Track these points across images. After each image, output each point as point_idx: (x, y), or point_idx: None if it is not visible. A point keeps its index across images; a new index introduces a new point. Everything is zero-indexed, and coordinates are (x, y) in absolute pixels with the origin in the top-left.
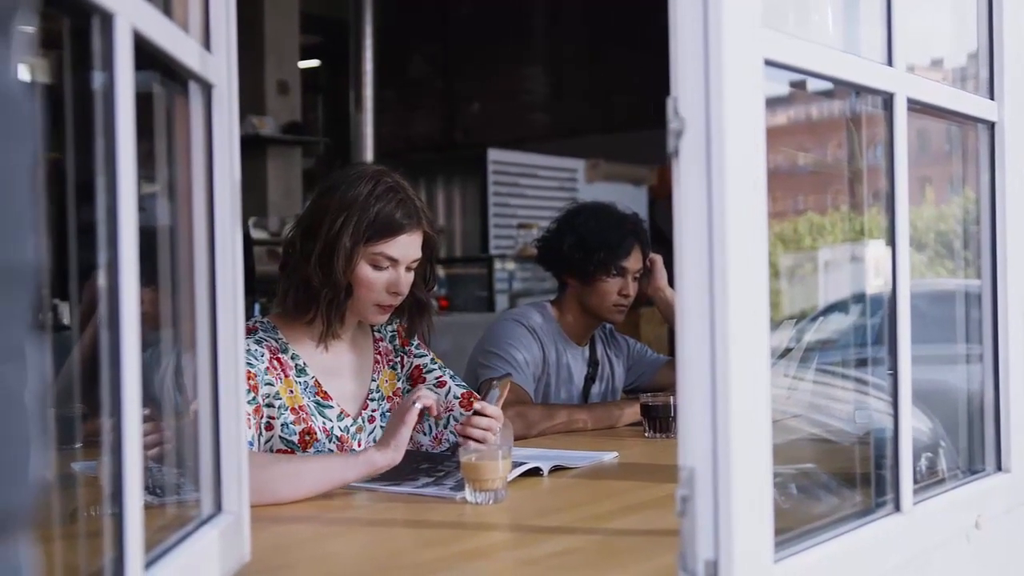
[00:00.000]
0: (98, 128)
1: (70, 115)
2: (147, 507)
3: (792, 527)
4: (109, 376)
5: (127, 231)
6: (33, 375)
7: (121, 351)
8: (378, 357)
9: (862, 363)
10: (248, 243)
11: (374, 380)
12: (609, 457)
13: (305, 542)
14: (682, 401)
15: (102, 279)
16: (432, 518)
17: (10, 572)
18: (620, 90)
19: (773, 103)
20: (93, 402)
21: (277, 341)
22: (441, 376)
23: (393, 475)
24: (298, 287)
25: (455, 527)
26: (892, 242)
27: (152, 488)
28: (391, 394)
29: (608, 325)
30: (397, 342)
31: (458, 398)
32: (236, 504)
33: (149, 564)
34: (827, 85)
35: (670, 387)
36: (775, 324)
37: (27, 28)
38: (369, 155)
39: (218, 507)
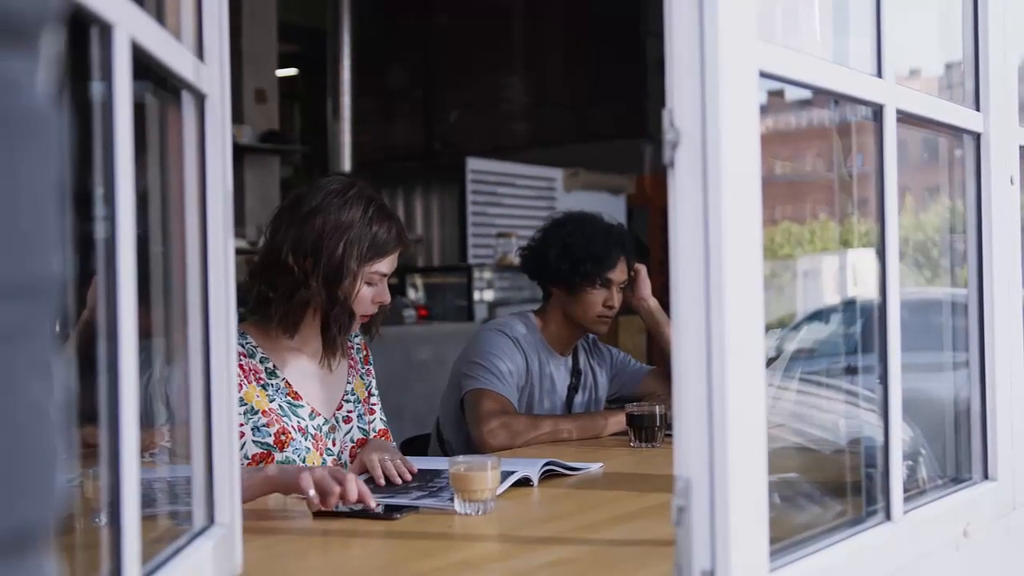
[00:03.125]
0: (95, 138)
1: (66, 124)
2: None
3: (786, 536)
4: (107, 389)
5: (125, 241)
6: (58, 388)
7: (119, 363)
8: (351, 363)
9: (845, 372)
10: None
11: (349, 383)
12: (596, 467)
13: (296, 554)
14: (678, 412)
15: (100, 290)
16: (422, 529)
17: None
18: (599, 100)
19: None
20: (81, 412)
21: (244, 346)
22: (375, 404)
23: (386, 490)
24: (297, 308)
25: (445, 538)
26: (882, 252)
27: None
28: (364, 399)
29: (591, 335)
30: (362, 356)
31: (375, 432)
32: (228, 516)
33: None
34: (806, 94)
35: (653, 396)
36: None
37: (54, 41)
38: (347, 164)
39: (211, 519)
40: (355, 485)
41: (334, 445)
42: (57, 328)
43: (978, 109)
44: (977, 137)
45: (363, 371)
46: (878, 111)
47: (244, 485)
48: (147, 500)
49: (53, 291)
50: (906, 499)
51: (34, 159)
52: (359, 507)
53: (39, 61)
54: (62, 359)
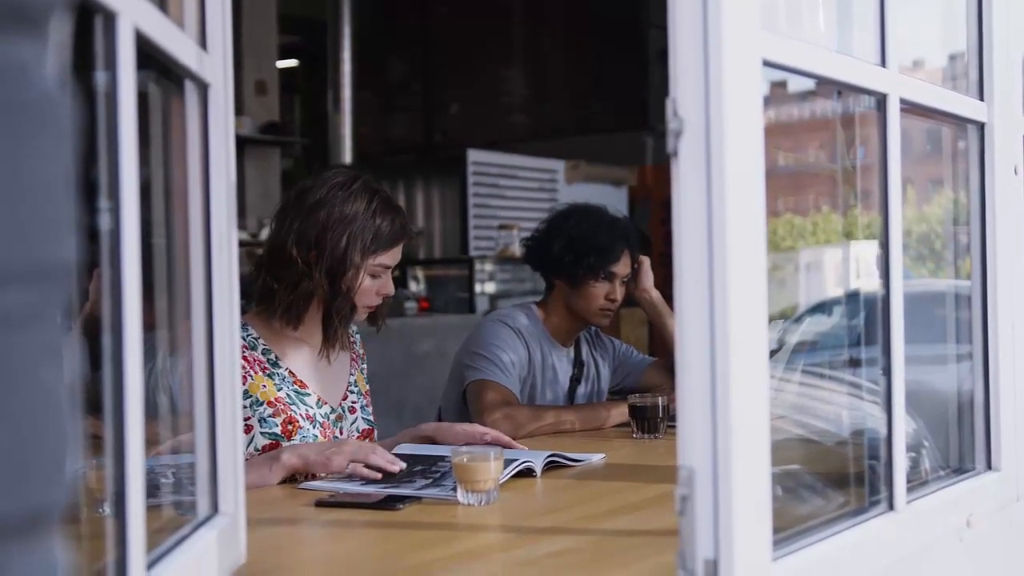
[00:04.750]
0: (99, 127)
1: (76, 111)
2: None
3: (789, 526)
4: (111, 379)
5: (129, 231)
6: (68, 373)
7: (123, 353)
8: (354, 356)
9: (848, 364)
10: None
11: (352, 374)
12: (598, 458)
13: (300, 544)
14: (682, 401)
15: (105, 281)
16: (425, 519)
17: (47, 569)
18: (600, 92)
19: None
20: (84, 402)
21: (245, 338)
22: (367, 404)
23: (388, 478)
24: (301, 299)
25: (449, 528)
26: (885, 243)
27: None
28: (364, 392)
29: (594, 326)
30: (360, 352)
31: (359, 432)
32: (232, 505)
33: (150, 566)
34: (809, 85)
35: (656, 388)
36: None
37: (64, 25)
38: (347, 156)
39: (215, 508)
40: (386, 456)
41: (341, 433)
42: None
43: (982, 99)
44: (981, 127)
45: (362, 367)
46: (881, 100)
47: (258, 475)
48: (151, 489)
49: (64, 277)
50: (909, 489)
51: (45, 145)
52: (363, 498)
53: (48, 47)
54: (72, 345)
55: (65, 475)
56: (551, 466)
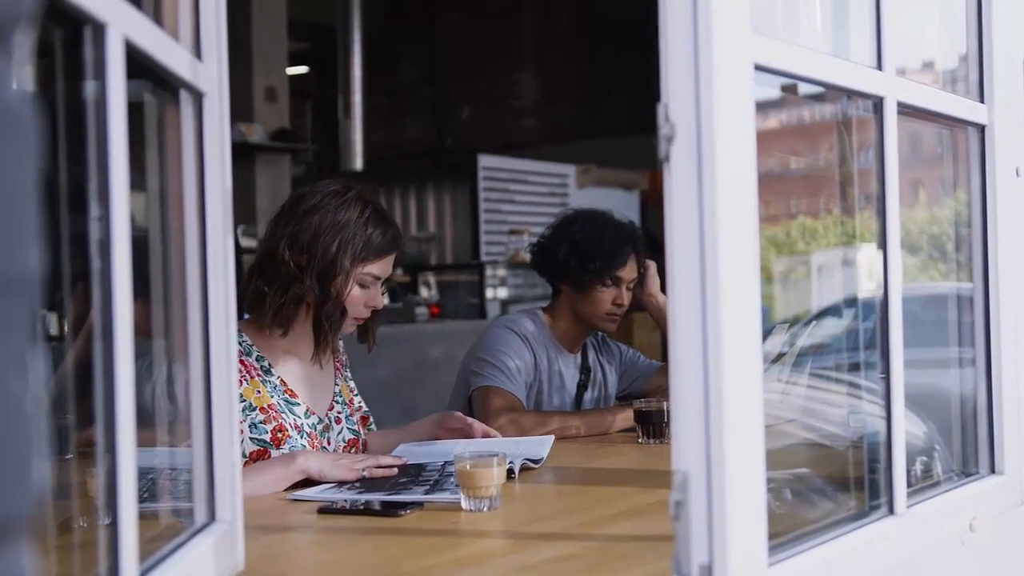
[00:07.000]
0: (90, 137)
1: (61, 124)
2: (140, 516)
3: (786, 531)
4: (103, 387)
5: (120, 241)
6: (35, 383)
7: (115, 362)
8: (338, 365)
9: (855, 367)
10: (237, 252)
11: (336, 384)
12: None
13: (298, 551)
14: (676, 406)
15: (95, 290)
16: (426, 526)
17: None
18: (611, 95)
19: (764, 107)
20: (85, 412)
21: (241, 344)
22: (351, 414)
23: (378, 488)
24: (291, 303)
25: (450, 534)
26: (884, 245)
27: (143, 496)
28: (348, 401)
29: (600, 332)
30: (344, 359)
31: (345, 442)
32: (230, 513)
33: (144, 573)
34: (817, 89)
35: (663, 393)
36: (768, 329)
37: (28, 39)
38: (358, 162)
39: (212, 516)
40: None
41: (328, 444)
42: (67, 329)
43: (983, 101)
44: (982, 129)
45: (346, 375)
46: (878, 103)
47: (273, 477)
48: (154, 495)
49: (30, 287)
50: (911, 493)
51: (9, 156)
52: (362, 505)
53: (13, 59)
54: (40, 354)
55: (31, 485)
56: (527, 468)
